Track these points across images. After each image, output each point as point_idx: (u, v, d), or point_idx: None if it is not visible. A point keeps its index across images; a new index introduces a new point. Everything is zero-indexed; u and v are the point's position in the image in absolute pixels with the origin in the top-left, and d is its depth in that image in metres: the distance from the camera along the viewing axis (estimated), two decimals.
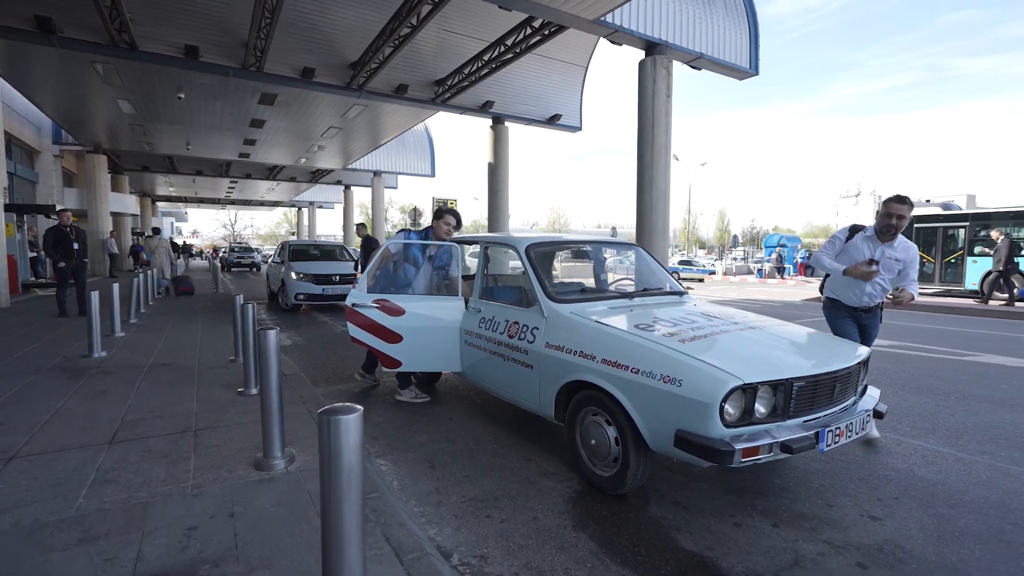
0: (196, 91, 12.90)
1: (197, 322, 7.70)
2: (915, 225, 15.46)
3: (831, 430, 2.28)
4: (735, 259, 32.89)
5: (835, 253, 3.57)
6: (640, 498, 2.61)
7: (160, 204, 44.74)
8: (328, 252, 11.35)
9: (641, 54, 9.83)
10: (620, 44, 9.59)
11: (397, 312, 3.77)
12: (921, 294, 13.59)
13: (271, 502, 2.27)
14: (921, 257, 15.36)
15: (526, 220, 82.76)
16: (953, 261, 14.87)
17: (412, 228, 4.46)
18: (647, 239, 9.78)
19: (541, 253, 3.57)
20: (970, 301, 12.68)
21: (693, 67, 10.53)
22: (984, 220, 14.32)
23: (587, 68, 14.50)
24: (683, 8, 9.74)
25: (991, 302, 12.10)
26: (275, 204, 44.50)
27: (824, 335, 2.96)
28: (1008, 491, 2.70)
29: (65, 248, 7.86)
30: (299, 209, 45.10)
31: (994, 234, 12.62)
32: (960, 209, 18.28)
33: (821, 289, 3.84)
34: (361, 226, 8.59)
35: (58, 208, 9.27)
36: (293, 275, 9.46)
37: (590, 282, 4.28)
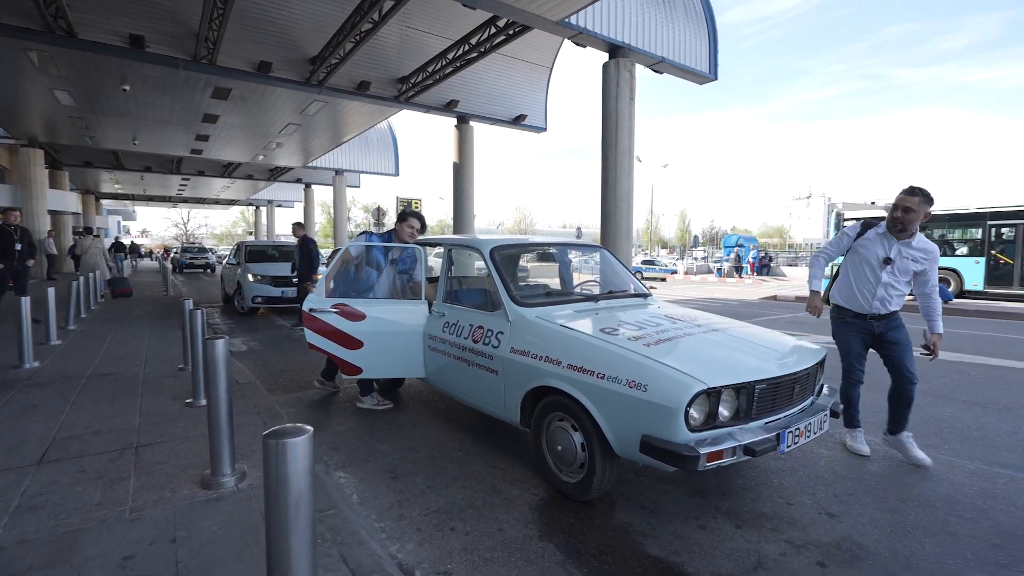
0: (143, 83, 12.23)
1: (144, 328, 7.28)
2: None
3: (791, 431, 2.31)
4: (696, 259, 33.78)
5: (840, 252, 3.23)
6: (606, 503, 2.59)
7: (105, 202, 42.34)
8: (287, 253, 10.96)
9: (605, 56, 9.93)
10: (584, 46, 9.66)
11: (357, 317, 3.64)
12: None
13: (218, 524, 2.13)
14: None
15: (492, 220, 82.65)
16: None
17: (374, 230, 4.29)
18: (611, 240, 9.88)
19: (506, 256, 3.52)
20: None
21: (655, 71, 10.71)
22: (927, 222, 15.13)
23: (552, 69, 14.56)
24: (645, 12, 9.89)
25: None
26: (231, 203, 42.85)
27: (784, 336, 3.00)
28: (952, 483, 2.82)
29: (6, 248, 7.28)
30: (257, 208, 43.57)
31: None
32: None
33: (827, 299, 3.37)
34: (298, 225, 8.14)
35: (3, 207, 8.60)
36: (250, 277, 9.09)
37: (556, 283, 4.27)
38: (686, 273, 26.81)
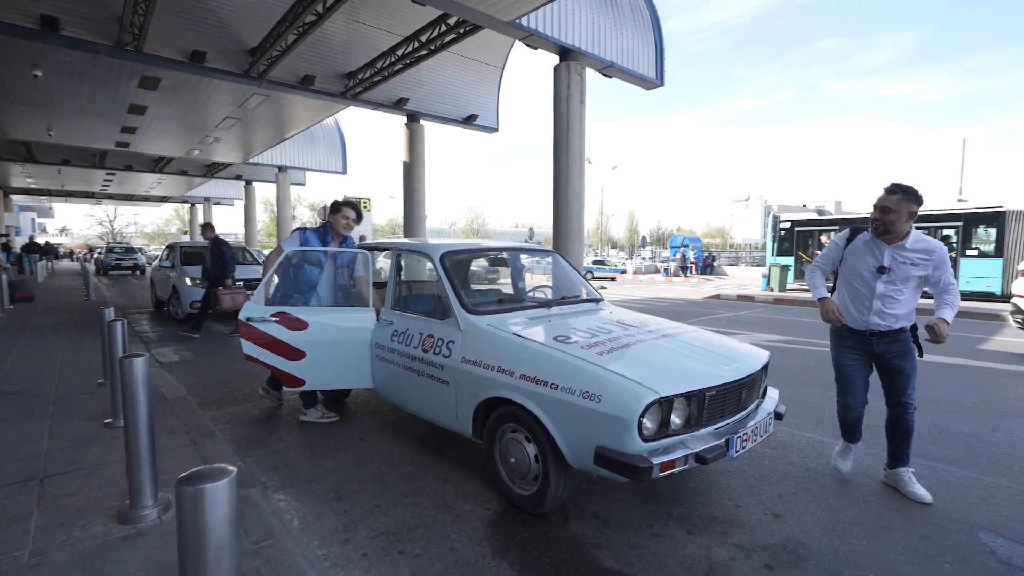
0: (58, 69, 11.18)
1: (59, 337, 6.64)
2: (796, 229, 17.25)
3: (739, 436, 2.35)
4: (644, 259, 34.77)
5: (834, 264, 2.90)
6: (560, 515, 2.55)
7: (16, 197, 38.58)
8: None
9: (555, 59, 9.98)
10: (535, 48, 9.66)
11: (299, 326, 3.44)
12: (800, 290, 15.14)
13: (136, 565, 1.92)
14: (800, 257, 17.23)
15: (444, 220, 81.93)
16: None
17: (307, 226, 4.03)
18: (563, 240, 9.94)
19: (457, 261, 3.42)
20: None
21: (605, 75, 10.87)
22: (851, 224, 16.27)
23: (503, 69, 14.51)
24: (595, 17, 10.01)
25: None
26: (163, 199, 40.10)
27: (730, 340, 3.06)
28: (878, 478, 2.97)
29: None
30: (192, 206, 41.04)
31: (823, 239, 14.88)
32: (831, 214, 20.74)
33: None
34: (207, 227, 7.61)
35: None
36: (188, 281, 8.50)
37: (508, 287, 4.21)
38: (635, 273, 27.52)
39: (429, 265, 3.63)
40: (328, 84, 12.34)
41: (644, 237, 34.69)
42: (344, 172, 22.84)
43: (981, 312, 10.60)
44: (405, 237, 14.89)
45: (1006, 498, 2.73)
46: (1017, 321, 6.55)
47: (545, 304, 3.30)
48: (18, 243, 28.07)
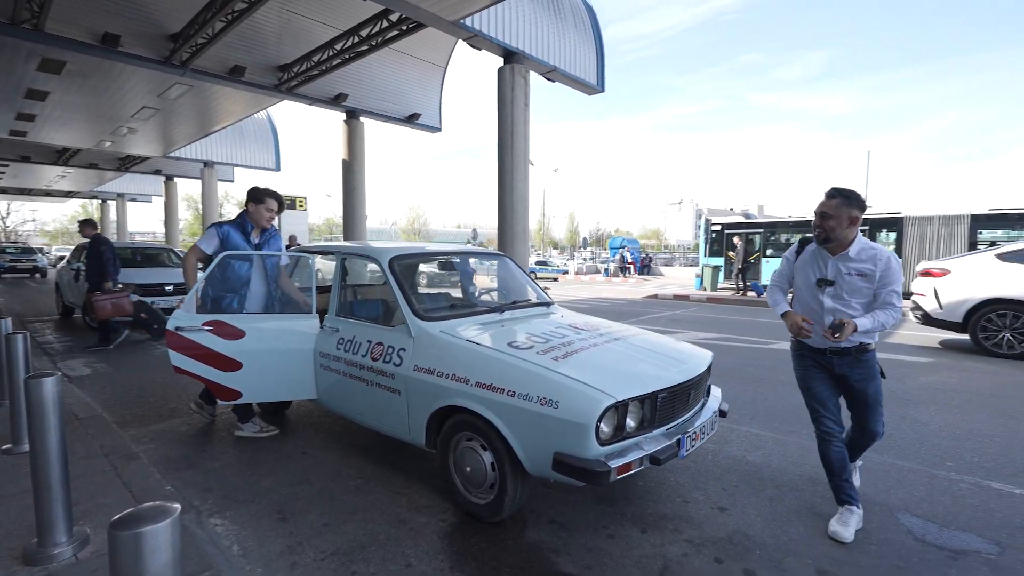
0: None
1: None
2: (726, 232, 18.27)
3: (689, 435, 2.43)
4: (584, 259, 35.61)
5: (788, 279, 2.70)
6: (517, 521, 2.53)
7: None
8: (152, 256, 9.54)
9: (500, 61, 9.99)
10: (480, 49, 9.63)
11: (236, 334, 3.22)
12: (727, 288, 16.07)
13: None
14: (728, 257, 18.27)
15: (384, 219, 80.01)
16: (752, 261, 17.88)
17: (223, 220, 3.67)
18: (508, 242, 9.98)
19: (406, 266, 3.33)
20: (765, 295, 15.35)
21: (548, 79, 11.02)
22: (774, 227, 17.48)
23: (446, 69, 14.37)
24: (538, 21, 10.12)
25: (741, 294, 15.08)
26: (69, 195, 36.39)
27: (676, 342, 3.17)
28: (814, 466, 3.17)
29: None
30: (103, 202, 37.57)
31: (736, 240, 16.00)
32: (756, 217, 22.17)
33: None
34: (86, 223, 6.83)
35: None
36: (109, 285, 7.74)
37: (456, 291, 4.15)
38: (576, 273, 28.11)
39: (375, 268, 3.51)
40: (260, 76, 11.71)
41: (585, 239, 35.53)
42: (278, 169, 21.74)
43: None
44: (345, 237, 14.38)
45: (917, 480, 3.01)
46: (916, 316, 7.26)
47: (497, 309, 3.28)
48: None
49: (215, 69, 11.02)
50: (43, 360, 5.80)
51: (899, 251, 14.63)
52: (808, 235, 2.58)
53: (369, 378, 2.97)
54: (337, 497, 2.76)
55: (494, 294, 3.87)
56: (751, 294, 14.93)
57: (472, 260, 4.11)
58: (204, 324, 3.17)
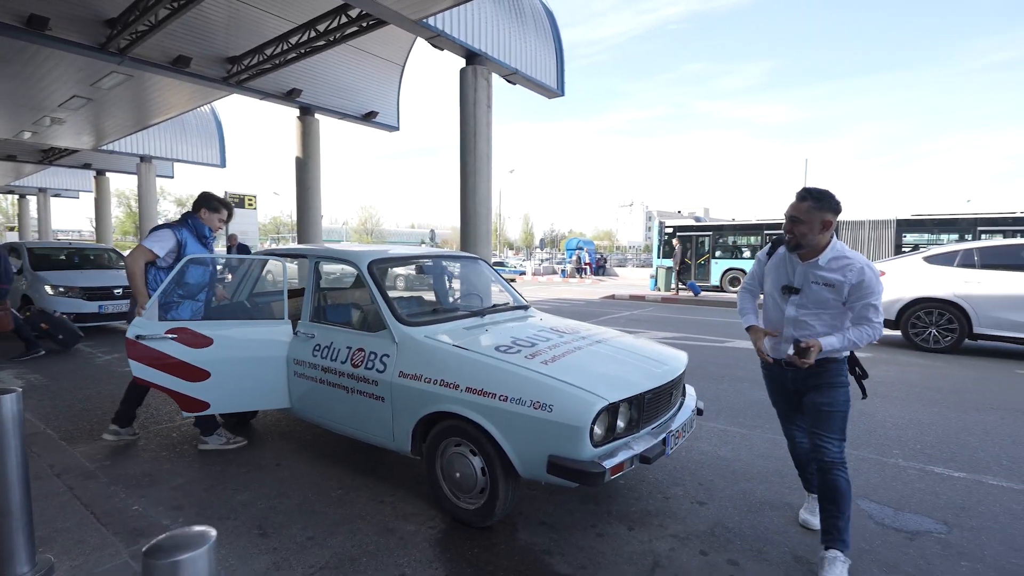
0: None
1: None
2: (678, 234, 18.97)
3: (672, 434, 2.53)
4: (541, 260, 35.98)
5: (760, 281, 2.51)
6: (507, 525, 2.55)
7: None
8: (93, 257, 8.85)
9: (460, 62, 9.94)
10: (442, 49, 9.54)
11: (202, 342, 3.06)
12: (684, 289, 16.69)
13: None
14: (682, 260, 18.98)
15: (335, 219, 77.93)
16: (702, 262, 18.67)
17: (170, 222, 3.42)
18: (471, 243, 9.94)
19: (385, 270, 3.27)
20: (717, 294, 16.03)
21: (509, 81, 11.05)
22: (722, 230, 18.32)
23: (404, 67, 14.15)
24: (500, 24, 10.15)
25: (679, 293, 15.83)
26: None
27: (654, 344, 3.27)
28: (779, 459, 3.38)
29: None
30: (22, 197, 34.49)
31: (674, 242, 16.79)
32: (705, 220, 23.14)
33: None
34: None
35: None
36: (48, 289, 7.14)
37: (430, 294, 4.11)
38: (534, 274, 28.36)
39: (347, 271, 3.43)
40: (207, 68, 11.10)
41: (542, 240, 35.90)
42: (223, 165, 20.67)
43: None
44: (299, 238, 13.89)
45: (870, 468, 3.25)
46: None
47: (479, 313, 3.28)
48: None
49: (157, 59, 10.36)
50: None
51: None
52: (781, 236, 2.34)
53: (350, 385, 2.89)
54: (319, 509, 2.68)
55: (471, 297, 3.86)
56: (687, 293, 15.50)
57: (448, 263, 4.08)
58: (168, 332, 3.00)
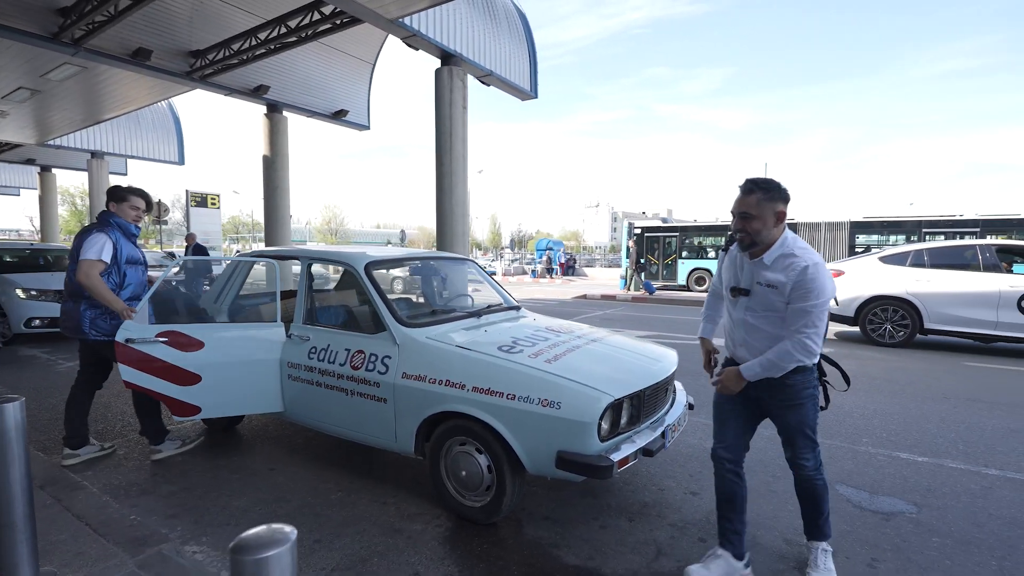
0: None
1: None
2: (646, 235, 19.44)
3: (670, 427, 2.65)
4: (510, 261, 36.10)
5: (719, 278, 2.31)
6: (512, 522, 2.61)
7: None
8: (59, 258, 8.40)
9: (435, 62, 9.92)
10: (417, 49, 9.49)
11: (194, 345, 3.00)
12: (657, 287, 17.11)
13: None
14: (649, 259, 19.47)
15: (299, 218, 75.89)
16: (670, 263, 19.19)
17: (92, 224, 3.20)
18: (448, 244, 9.93)
19: (382, 272, 3.27)
20: (684, 293, 16.51)
21: (484, 83, 11.09)
22: (687, 231, 18.90)
23: (375, 65, 13.98)
24: (475, 25, 10.17)
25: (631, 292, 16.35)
26: None
27: (646, 343, 3.38)
28: (760, 449, 3.54)
29: None
30: None
31: (630, 243, 17.26)
32: (671, 221, 23.79)
33: None
34: None
35: None
36: (20, 293, 6.73)
37: (419, 295, 4.12)
38: (504, 274, 28.43)
39: (341, 273, 3.41)
40: (169, 61, 10.69)
41: (512, 240, 36.01)
42: (181, 162, 19.88)
43: None
44: (267, 238, 13.52)
45: (843, 455, 3.47)
46: None
47: (475, 314, 3.32)
48: None
49: (115, 51, 9.89)
50: None
51: None
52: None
53: (350, 387, 2.89)
54: (321, 512, 2.67)
55: (463, 298, 3.89)
56: (641, 291, 15.89)
57: (440, 264, 4.11)
58: (158, 335, 2.92)
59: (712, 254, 18.22)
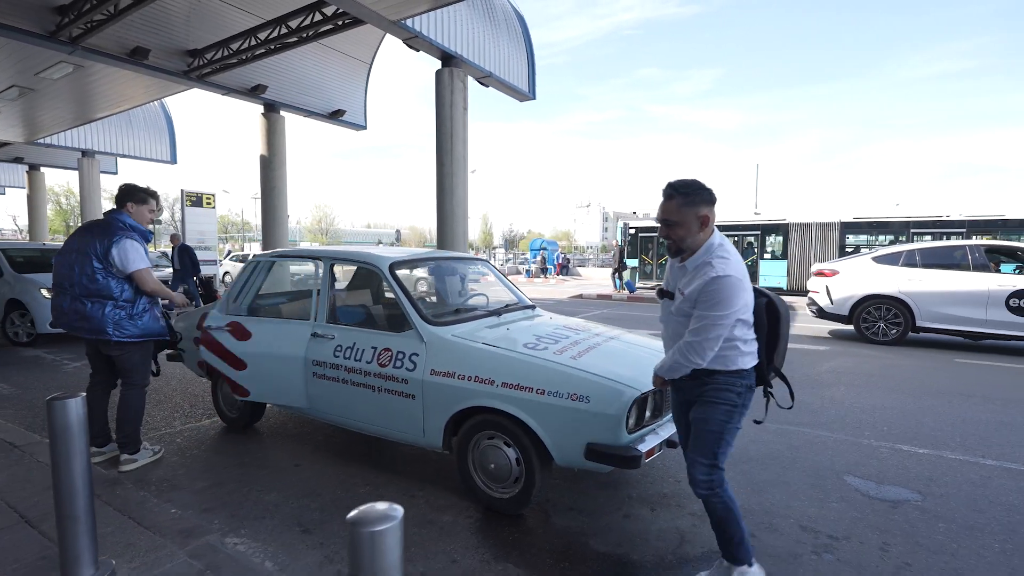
0: None
1: None
2: (640, 235, 19.64)
3: None
4: (505, 260, 36.20)
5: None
6: (539, 512, 2.70)
7: None
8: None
9: (435, 63, 9.98)
10: (417, 50, 9.55)
11: (245, 336, 3.36)
12: (648, 289, 17.31)
13: None
14: (643, 259, 19.67)
15: (288, 217, 75.13)
16: (663, 262, 19.41)
17: (126, 230, 3.13)
18: (449, 244, 10.00)
19: (405, 272, 3.35)
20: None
21: (483, 84, 11.17)
22: None
23: (371, 65, 14.00)
24: (475, 27, 10.25)
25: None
26: None
27: (658, 340, 3.49)
28: (766, 443, 3.69)
29: None
30: None
31: (615, 243, 17.70)
32: None
33: None
34: None
35: None
36: (44, 293, 6.69)
37: (434, 295, 4.20)
38: None
39: (353, 273, 3.53)
40: (167, 60, 10.64)
41: (505, 239, 36.11)
42: (173, 161, 19.72)
43: None
44: (264, 239, 13.49)
45: (848, 448, 3.61)
46: (812, 310, 8.45)
47: (495, 313, 3.41)
48: None
49: (113, 49, 9.83)
50: None
51: (784, 253, 16.70)
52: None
53: (377, 384, 2.97)
54: (352, 505, 2.68)
55: (478, 297, 3.98)
56: (624, 291, 16.22)
57: (457, 264, 4.20)
58: (226, 325, 3.44)
59: None
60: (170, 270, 10.47)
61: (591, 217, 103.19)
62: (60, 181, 49.04)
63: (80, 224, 18.99)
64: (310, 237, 68.26)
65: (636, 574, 2.21)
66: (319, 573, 2.16)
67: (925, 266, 7.41)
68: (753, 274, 17.35)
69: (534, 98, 12.29)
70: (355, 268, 3.74)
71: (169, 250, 12.44)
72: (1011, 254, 7.88)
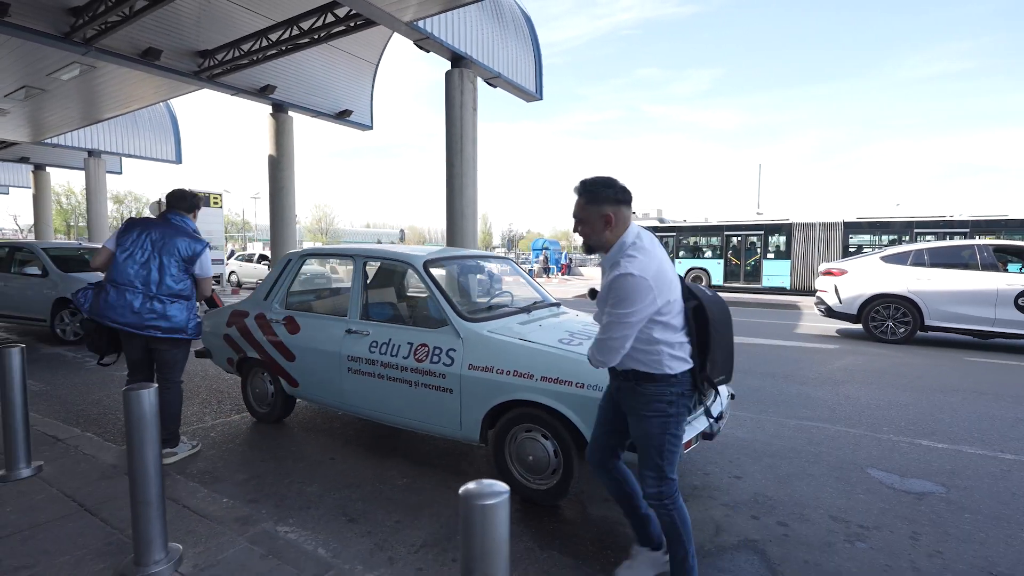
0: None
1: None
2: None
3: (721, 415, 2.83)
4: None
5: None
6: (575, 503, 2.78)
7: None
8: None
9: (441, 63, 10.06)
10: (428, 51, 9.63)
11: (295, 329, 3.56)
12: None
13: None
14: None
15: None
16: None
17: (191, 235, 3.47)
18: (459, 243, 10.08)
19: (438, 270, 3.43)
20: None
21: (491, 84, 11.25)
22: (683, 232, 19.22)
23: (378, 65, 14.08)
24: (483, 28, 10.33)
25: None
26: None
27: None
28: (789, 438, 3.77)
29: None
30: None
31: None
32: (669, 222, 24.13)
33: None
34: None
35: None
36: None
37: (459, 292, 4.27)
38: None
39: (375, 271, 3.63)
40: (178, 61, 10.72)
41: (510, 240, 36.20)
42: (179, 161, 19.78)
43: (782, 303, 13.37)
44: (272, 240, 13.56)
45: (868, 443, 3.69)
46: (820, 310, 8.53)
47: (524, 310, 3.49)
48: None
49: (125, 50, 9.90)
50: None
51: (788, 253, 16.81)
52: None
53: (414, 379, 3.04)
54: (393, 497, 2.82)
55: (505, 295, 4.06)
56: None
57: (485, 263, 4.29)
58: (283, 318, 3.68)
59: (708, 254, 18.55)
60: None
61: None
62: (60, 181, 49.05)
63: (85, 224, 18.94)
64: (310, 237, 68.25)
65: None
66: (371, 560, 2.23)
67: (934, 265, 7.50)
68: (756, 274, 17.45)
69: (541, 98, 12.38)
70: (377, 266, 3.84)
71: None
72: (1019, 254, 7.97)
